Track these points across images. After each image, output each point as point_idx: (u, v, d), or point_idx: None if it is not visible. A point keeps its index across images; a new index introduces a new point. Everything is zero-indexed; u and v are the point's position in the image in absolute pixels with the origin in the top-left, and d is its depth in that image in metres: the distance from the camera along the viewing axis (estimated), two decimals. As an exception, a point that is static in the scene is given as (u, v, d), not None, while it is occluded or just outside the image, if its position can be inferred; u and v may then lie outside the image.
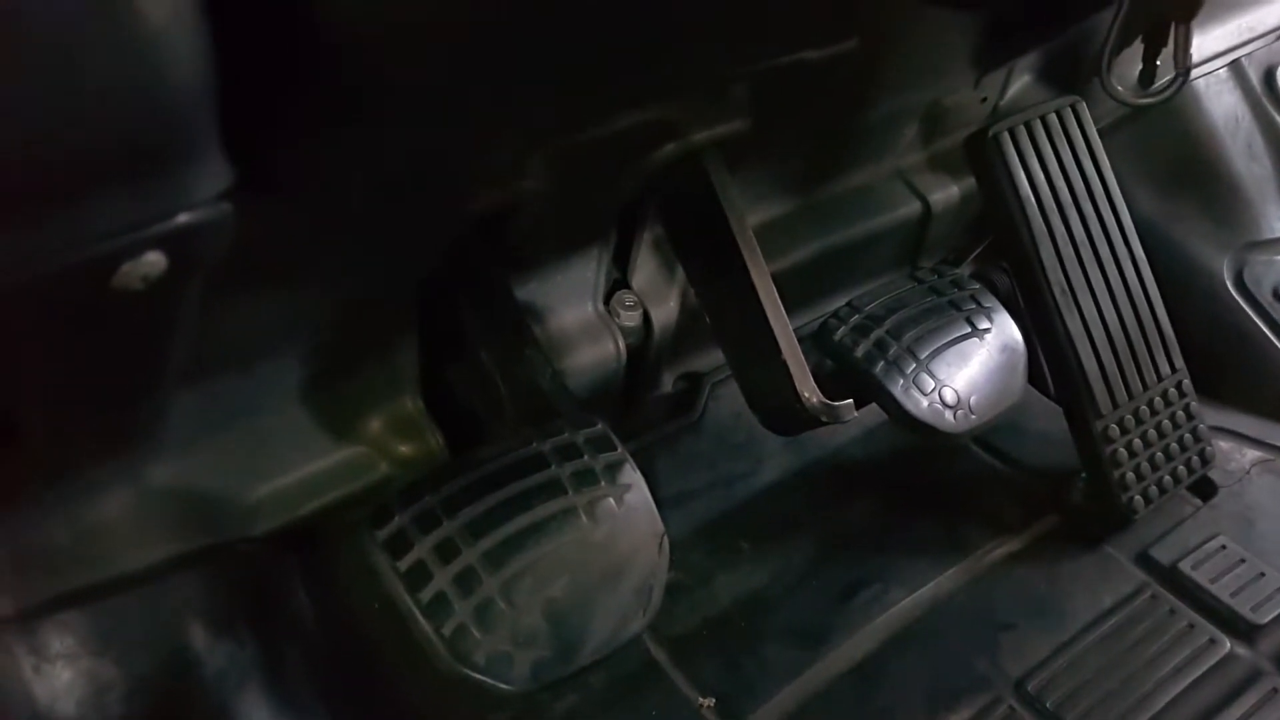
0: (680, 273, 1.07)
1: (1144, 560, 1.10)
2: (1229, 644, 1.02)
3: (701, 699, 0.96)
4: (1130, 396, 1.08)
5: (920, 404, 0.98)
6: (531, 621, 0.76)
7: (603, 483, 0.82)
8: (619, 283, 1.07)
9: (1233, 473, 1.19)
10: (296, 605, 0.90)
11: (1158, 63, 1.07)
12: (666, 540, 0.84)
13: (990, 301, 1.09)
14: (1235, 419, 1.26)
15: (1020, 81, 1.22)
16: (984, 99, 1.19)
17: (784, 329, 0.90)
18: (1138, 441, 1.09)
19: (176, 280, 0.48)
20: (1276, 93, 1.43)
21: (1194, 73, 1.07)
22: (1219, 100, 1.39)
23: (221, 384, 0.80)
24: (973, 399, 1.00)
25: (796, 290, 1.05)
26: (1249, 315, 1.31)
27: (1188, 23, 1.01)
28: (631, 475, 0.84)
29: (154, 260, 0.46)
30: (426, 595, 0.75)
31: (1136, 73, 1.08)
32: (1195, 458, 1.14)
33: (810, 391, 0.89)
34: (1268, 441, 1.23)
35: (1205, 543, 1.11)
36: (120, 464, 0.79)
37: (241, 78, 0.44)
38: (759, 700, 0.96)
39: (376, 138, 0.58)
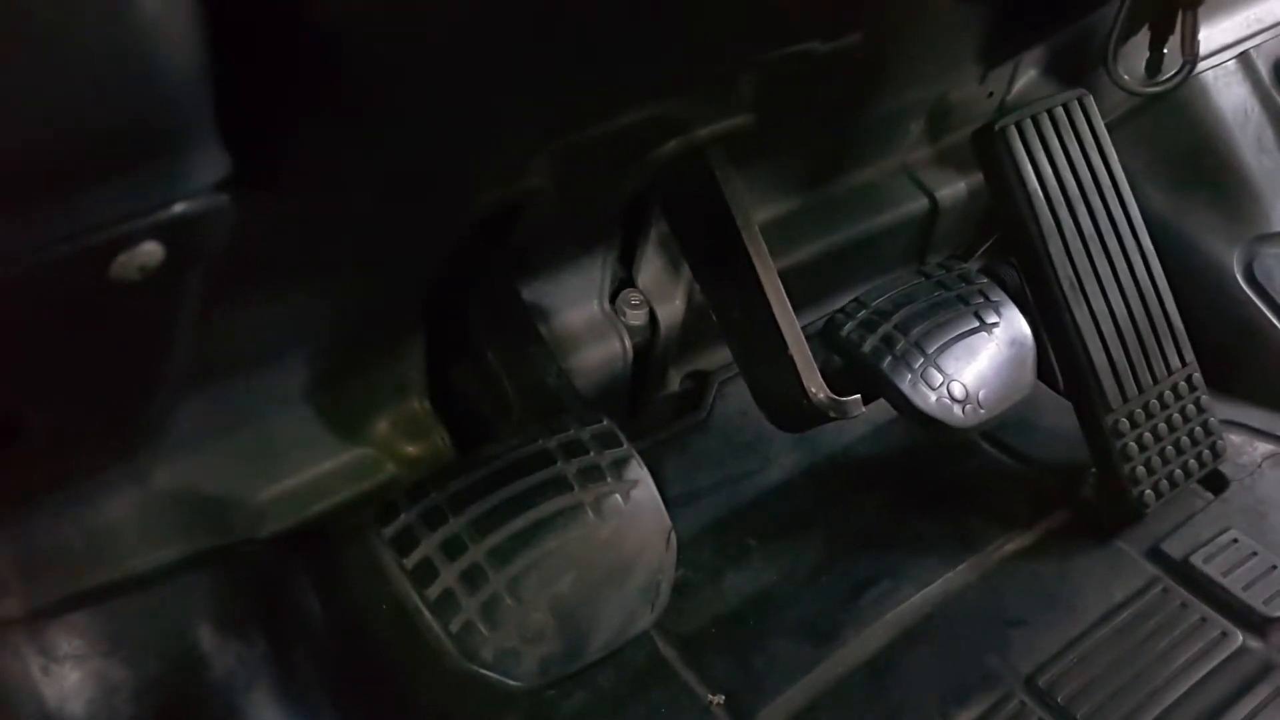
0: (686, 271, 1.07)
1: (1155, 554, 1.09)
2: (1241, 637, 1.01)
3: (711, 696, 0.96)
4: (1140, 390, 1.08)
5: (928, 399, 0.97)
6: (539, 618, 0.76)
7: (609, 479, 0.82)
8: (625, 281, 1.06)
9: (1244, 466, 1.19)
10: (305, 605, 0.90)
11: (1165, 51, 1.07)
12: (674, 536, 0.84)
13: (998, 296, 1.08)
14: (1246, 412, 1.25)
15: (1027, 76, 1.21)
16: (990, 94, 1.19)
17: (791, 326, 0.89)
18: (1148, 435, 1.09)
19: (174, 272, 0.47)
20: (1286, 85, 1.42)
21: (1203, 65, 1.07)
22: (1228, 93, 1.38)
23: (228, 385, 0.80)
24: (981, 394, 1.00)
25: (803, 287, 1.05)
26: (1259, 308, 1.30)
27: (1195, 9, 1.00)
28: (638, 471, 0.84)
29: (151, 250, 0.45)
30: (434, 592, 0.75)
31: (1143, 63, 1.08)
32: (1206, 451, 1.13)
33: (818, 388, 0.89)
34: (1279, 434, 1.22)
35: (1217, 536, 1.10)
36: (127, 465, 0.79)
37: (239, 68, 0.43)
38: (768, 697, 0.96)
39: (379, 135, 0.57)
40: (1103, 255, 1.06)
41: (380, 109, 0.54)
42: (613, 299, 1.05)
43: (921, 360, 0.99)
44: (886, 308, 1.03)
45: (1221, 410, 1.18)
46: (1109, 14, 1.01)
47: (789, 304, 0.90)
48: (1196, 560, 1.07)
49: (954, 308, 1.05)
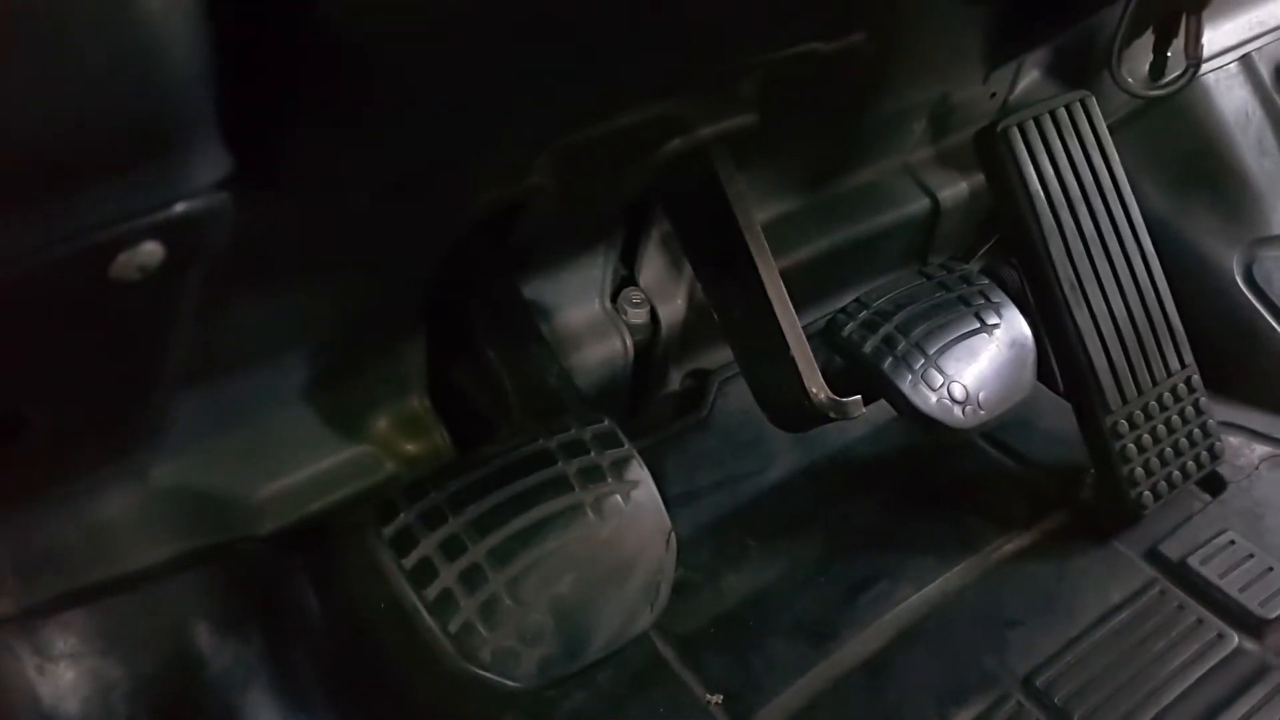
0: (688, 270, 1.07)
1: (1153, 556, 1.09)
2: (1237, 639, 1.01)
3: (709, 696, 0.95)
4: (1139, 392, 1.08)
5: (929, 400, 0.97)
6: (538, 618, 0.76)
7: (610, 479, 0.82)
8: (626, 280, 1.06)
9: (1242, 468, 1.19)
10: (303, 604, 0.89)
11: (1168, 54, 1.07)
12: (674, 537, 0.84)
13: (999, 297, 1.08)
14: (1244, 414, 1.25)
15: (1030, 77, 1.21)
16: (993, 94, 1.19)
17: (792, 325, 0.89)
18: (1147, 437, 1.09)
19: (174, 271, 0.47)
20: (1288, 88, 1.42)
21: (1204, 68, 1.07)
22: (1229, 95, 1.38)
23: (227, 382, 0.80)
24: (981, 395, 1.00)
25: (805, 287, 1.04)
26: (1259, 311, 1.30)
27: (1199, 13, 1.00)
28: (639, 472, 0.84)
29: (151, 250, 0.45)
30: (432, 592, 0.75)
31: (1146, 66, 1.08)
32: (1204, 453, 1.13)
33: (818, 388, 0.89)
34: (1277, 437, 1.23)
35: (1214, 538, 1.10)
36: (125, 462, 0.79)
37: (241, 67, 0.43)
38: (767, 697, 0.95)
39: (379, 134, 0.57)
40: (1103, 257, 1.06)
41: (381, 109, 0.54)
42: (614, 298, 1.05)
43: (922, 361, 0.99)
44: (888, 308, 1.03)
45: (1220, 412, 1.18)
46: (1113, 16, 1.01)
47: (790, 304, 0.90)
48: (1194, 562, 1.07)
49: (955, 309, 1.05)
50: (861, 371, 0.99)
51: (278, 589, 0.89)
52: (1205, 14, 1.04)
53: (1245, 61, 1.39)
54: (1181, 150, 1.37)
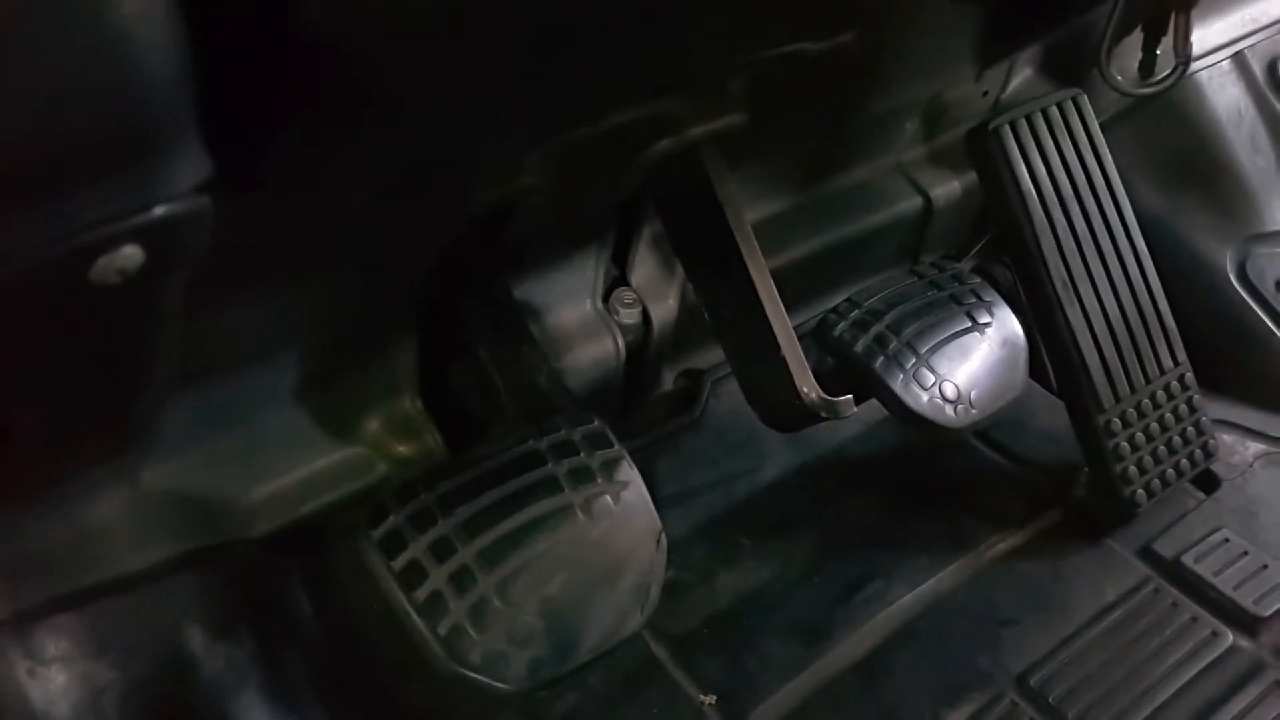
0: (680, 270, 1.06)
1: (1147, 554, 1.09)
2: (1231, 637, 1.01)
3: (703, 696, 0.95)
4: (1132, 390, 1.08)
5: (920, 399, 0.97)
6: (528, 620, 0.76)
7: (600, 480, 0.82)
8: (618, 280, 1.06)
9: (1235, 466, 1.19)
10: (295, 606, 0.89)
11: (1158, 52, 1.07)
12: (664, 537, 0.84)
13: (991, 295, 1.08)
14: (1238, 412, 1.25)
15: (1022, 75, 1.21)
16: (985, 93, 1.19)
17: (783, 325, 0.89)
18: (1140, 435, 1.08)
19: (155, 274, 0.47)
20: (1280, 84, 1.42)
21: (1197, 65, 1.07)
22: (1222, 92, 1.38)
23: (219, 384, 0.80)
24: (973, 394, 1.00)
25: (796, 287, 1.04)
26: (1252, 308, 1.30)
27: (1188, 11, 1.00)
28: (629, 472, 0.84)
29: (130, 254, 0.45)
30: (422, 595, 0.75)
31: (1137, 64, 1.08)
32: (1198, 451, 1.13)
33: (810, 387, 0.89)
34: (1270, 434, 1.23)
35: (1208, 536, 1.10)
36: (116, 465, 0.79)
37: (223, 71, 0.43)
38: (760, 697, 0.95)
39: (368, 136, 0.57)
40: (1096, 255, 1.06)
41: (374, 109, 0.54)
42: (606, 298, 1.05)
43: (914, 360, 0.99)
44: (879, 307, 1.03)
45: (1213, 410, 1.18)
46: (1104, 15, 1.01)
47: (781, 303, 0.90)
48: (1188, 560, 1.07)
49: (947, 307, 1.05)
50: (853, 371, 0.99)
51: (270, 591, 0.89)
52: (1196, 12, 1.04)
53: (1238, 59, 1.39)
54: (1174, 148, 1.37)
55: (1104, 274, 1.07)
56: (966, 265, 1.25)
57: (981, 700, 0.96)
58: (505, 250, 0.92)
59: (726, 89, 0.83)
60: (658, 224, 1.03)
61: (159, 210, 0.44)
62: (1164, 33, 1.04)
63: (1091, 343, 1.05)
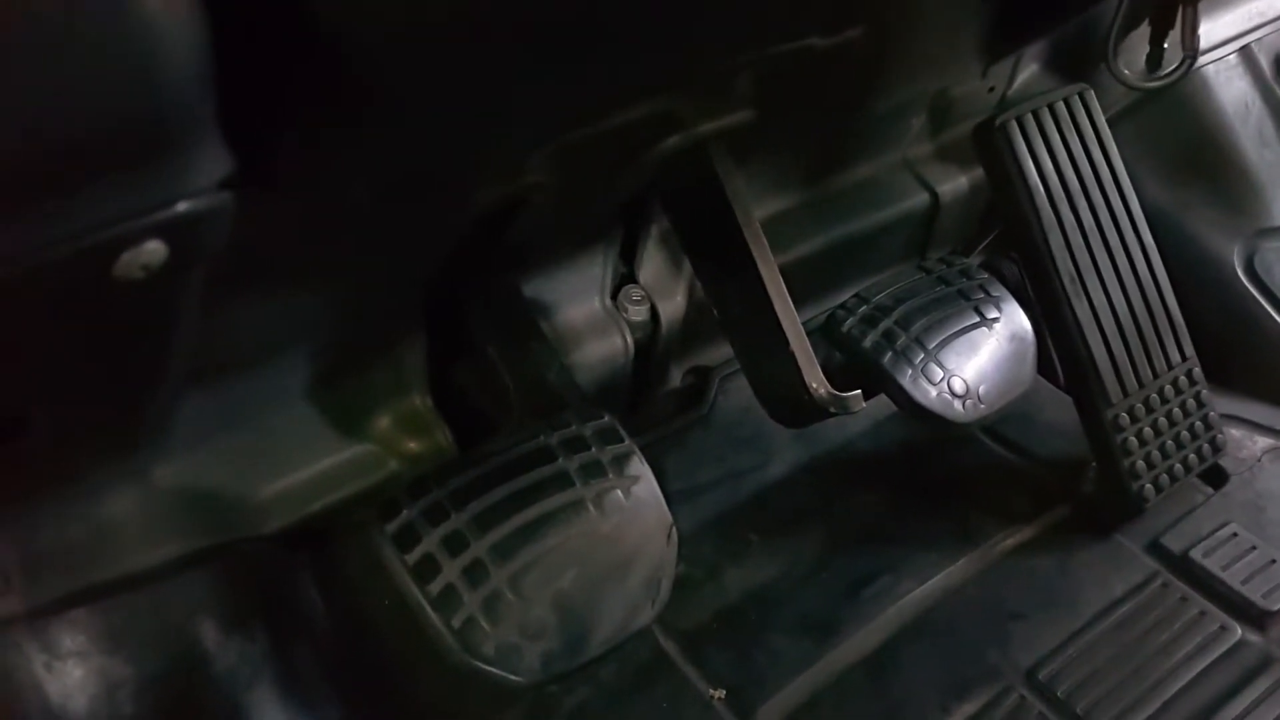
0: (688, 267, 1.07)
1: (1155, 548, 1.09)
2: (1240, 631, 1.01)
3: (712, 691, 0.96)
4: (1140, 385, 1.08)
5: (929, 394, 0.98)
6: (540, 613, 0.76)
7: (610, 475, 0.82)
8: (626, 277, 1.07)
9: (1244, 460, 1.18)
10: (307, 602, 0.90)
11: (1165, 46, 1.07)
12: (675, 532, 0.84)
13: (999, 291, 1.08)
14: (1246, 406, 1.25)
15: (1028, 70, 1.21)
16: (992, 88, 1.19)
17: (792, 321, 0.89)
18: (1148, 430, 1.08)
19: (177, 270, 0.47)
20: (1287, 79, 1.42)
21: (1204, 59, 1.07)
22: (1229, 86, 1.38)
23: (230, 382, 0.80)
24: (982, 389, 1.00)
25: (804, 283, 1.05)
26: (1260, 303, 1.30)
27: (1194, 4, 1.00)
28: (639, 467, 0.84)
29: (154, 249, 0.45)
30: (435, 588, 0.75)
31: (1144, 58, 1.08)
32: (1206, 445, 1.13)
33: (818, 383, 0.89)
34: (1279, 429, 1.22)
35: (1216, 530, 1.10)
36: (129, 463, 0.79)
37: (242, 67, 0.43)
38: (770, 692, 0.96)
39: (379, 134, 0.57)
40: (1103, 250, 1.06)
41: (381, 108, 0.54)
42: (614, 295, 1.05)
43: (922, 355, 0.99)
44: (887, 303, 1.03)
45: (1221, 404, 1.17)
46: (1110, 9, 1.01)
47: (789, 300, 0.90)
48: (1196, 554, 1.07)
49: (955, 303, 1.05)
50: (861, 366, 0.99)
51: (282, 587, 0.90)
52: (1203, 5, 1.04)
53: (1245, 52, 1.38)
54: (1182, 142, 1.37)
55: (1111, 269, 1.07)
56: (974, 261, 1.26)
57: (990, 694, 0.96)
58: (513, 248, 0.93)
59: (734, 86, 0.84)
60: (665, 221, 1.03)
61: (182, 206, 0.45)
62: (1171, 26, 1.04)
63: (1099, 337, 1.05)
